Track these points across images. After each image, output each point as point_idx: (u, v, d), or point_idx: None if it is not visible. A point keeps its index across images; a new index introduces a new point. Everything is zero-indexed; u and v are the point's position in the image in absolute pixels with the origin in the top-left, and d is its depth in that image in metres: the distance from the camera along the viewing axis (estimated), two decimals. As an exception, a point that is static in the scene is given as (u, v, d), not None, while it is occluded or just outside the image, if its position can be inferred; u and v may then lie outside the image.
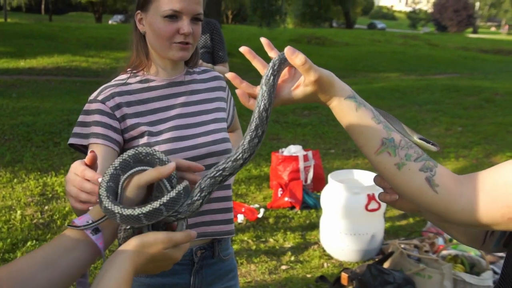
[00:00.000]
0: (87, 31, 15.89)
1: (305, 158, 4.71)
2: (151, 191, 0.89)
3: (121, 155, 0.87)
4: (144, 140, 1.43)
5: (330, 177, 3.74)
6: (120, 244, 0.85)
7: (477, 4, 52.34)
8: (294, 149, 4.85)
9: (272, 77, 0.83)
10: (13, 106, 6.50)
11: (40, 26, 17.83)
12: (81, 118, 1.42)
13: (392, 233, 4.04)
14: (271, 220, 4.16)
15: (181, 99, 1.51)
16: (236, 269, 1.69)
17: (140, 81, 1.49)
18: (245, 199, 4.60)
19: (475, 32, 46.37)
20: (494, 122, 7.76)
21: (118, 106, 1.42)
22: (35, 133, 5.43)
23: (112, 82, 1.48)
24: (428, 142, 0.94)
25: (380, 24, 46.71)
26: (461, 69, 15.83)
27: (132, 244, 0.80)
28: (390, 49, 20.64)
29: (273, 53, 0.87)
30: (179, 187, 0.83)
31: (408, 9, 65.25)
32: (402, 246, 3.19)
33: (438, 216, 0.85)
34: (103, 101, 1.41)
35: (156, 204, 0.79)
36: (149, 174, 0.85)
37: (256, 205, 4.42)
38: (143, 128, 1.43)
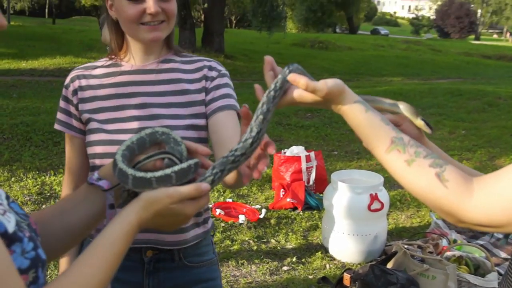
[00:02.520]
0: (90, 33, 15.81)
1: (308, 158, 4.66)
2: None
3: (139, 133, 0.95)
4: (89, 126, 1.36)
5: (332, 177, 3.69)
6: (121, 204, 0.90)
7: (479, 11, 52.26)
8: (296, 150, 4.80)
9: (288, 71, 0.88)
10: (13, 106, 6.47)
11: (43, 28, 17.81)
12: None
13: (395, 235, 3.98)
14: (272, 221, 4.10)
15: (145, 88, 1.36)
16: (218, 280, 1.49)
17: (108, 66, 1.40)
18: (247, 200, 4.54)
19: (477, 39, 46.31)
20: (498, 126, 7.70)
21: (76, 92, 1.38)
22: (35, 132, 5.39)
23: (83, 65, 1.44)
24: (427, 124, 1.04)
25: (383, 30, 46.65)
26: (464, 74, 15.80)
27: (140, 199, 0.84)
28: (393, 53, 20.63)
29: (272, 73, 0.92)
30: (191, 161, 0.88)
31: (411, 16, 65.18)
32: (406, 246, 3.12)
33: (450, 215, 0.84)
34: (66, 87, 1.41)
35: (168, 170, 0.85)
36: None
37: (258, 206, 4.36)
38: (88, 115, 1.36)
